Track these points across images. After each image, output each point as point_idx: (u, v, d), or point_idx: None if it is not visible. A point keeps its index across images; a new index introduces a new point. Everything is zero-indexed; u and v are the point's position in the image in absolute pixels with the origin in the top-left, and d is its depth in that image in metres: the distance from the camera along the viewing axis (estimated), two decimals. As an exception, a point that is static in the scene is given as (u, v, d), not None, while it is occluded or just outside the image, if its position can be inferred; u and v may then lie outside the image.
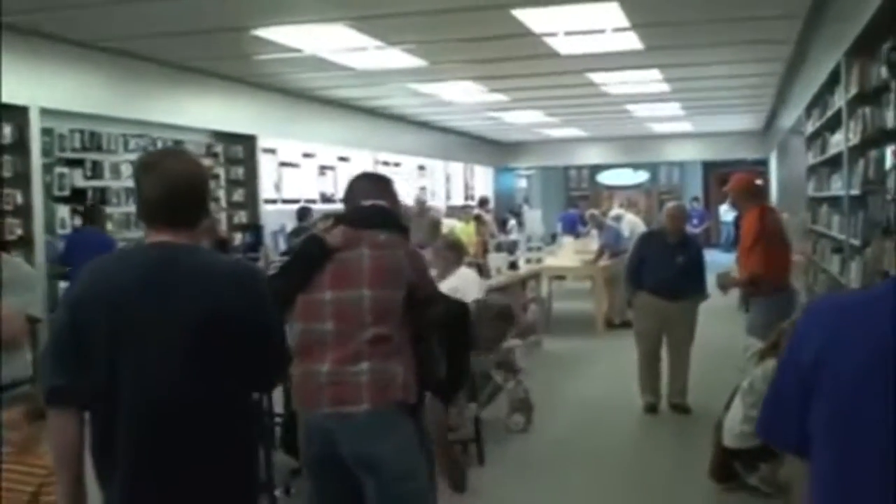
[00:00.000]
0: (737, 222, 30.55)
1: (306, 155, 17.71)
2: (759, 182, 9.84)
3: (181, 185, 3.17)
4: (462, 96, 17.25)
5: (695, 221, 25.46)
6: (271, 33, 10.68)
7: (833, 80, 9.33)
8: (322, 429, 4.21)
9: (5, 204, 10.09)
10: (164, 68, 12.55)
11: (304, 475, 6.79)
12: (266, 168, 15.78)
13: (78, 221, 11.51)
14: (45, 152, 10.80)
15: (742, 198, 8.91)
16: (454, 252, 9.17)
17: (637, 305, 10.01)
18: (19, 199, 10.24)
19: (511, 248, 14.64)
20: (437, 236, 11.02)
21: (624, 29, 11.02)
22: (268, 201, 15.76)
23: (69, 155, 11.57)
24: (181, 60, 12.60)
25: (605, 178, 34.28)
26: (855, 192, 8.08)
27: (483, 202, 21.56)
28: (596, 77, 15.37)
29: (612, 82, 16.03)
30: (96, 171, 12.03)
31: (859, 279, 7.70)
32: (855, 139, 7.97)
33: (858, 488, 1.93)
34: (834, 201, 10.27)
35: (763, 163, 27.55)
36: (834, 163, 10.11)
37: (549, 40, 11.65)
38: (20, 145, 10.24)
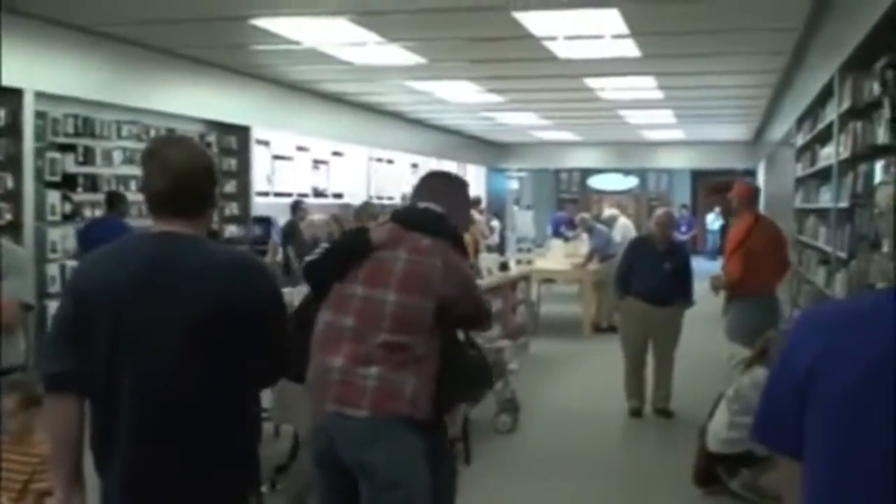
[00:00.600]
0: (723, 230, 30.91)
1: (300, 148, 17.58)
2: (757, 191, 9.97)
3: (181, 175, 3.15)
4: (458, 95, 17.23)
5: (683, 228, 25.61)
6: (270, 24, 10.60)
7: (826, 94, 9.39)
8: (325, 425, 4.16)
9: (-4, 188, 9.94)
10: (160, 55, 12.45)
11: (289, 471, 6.90)
12: (259, 160, 15.63)
13: (98, 212, 11.48)
14: (38, 136, 10.64)
15: (742, 204, 9.21)
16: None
17: (624, 310, 10.17)
18: (10, 183, 10.11)
19: (495, 249, 14.61)
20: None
21: (623, 36, 11.05)
22: (259, 194, 15.61)
23: (62, 140, 11.36)
24: (178, 48, 12.51)
25: (596, 182, 34.39)
26: (843, 204, 8.15)
27: (475, 202, 21.57)
28: (592, 82, 15.39)
29: (608, 88, 16.04)
30: (88, 157, 11.84)
31: (845, 291, 7.77)
32: (845, 153, 8.04)
33: (857, 499, 1.96)
34: (821, 213, 10.36)
35: (751, 173, 27.65)
36: (823, 175, 10.18)
37: (548, 44, 11.66)
38: (13, 129, 10.10)
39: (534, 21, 10.39)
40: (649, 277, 9.65)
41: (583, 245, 17.35)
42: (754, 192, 9.49)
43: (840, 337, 2.03)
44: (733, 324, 9.07)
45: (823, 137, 9.95)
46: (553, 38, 11.39)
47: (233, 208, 14.95)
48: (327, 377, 4.09)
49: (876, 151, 6.89)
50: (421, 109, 20.32)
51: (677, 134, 25.39)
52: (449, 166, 25.90)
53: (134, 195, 12.10)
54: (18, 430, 4.77)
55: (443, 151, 24.86)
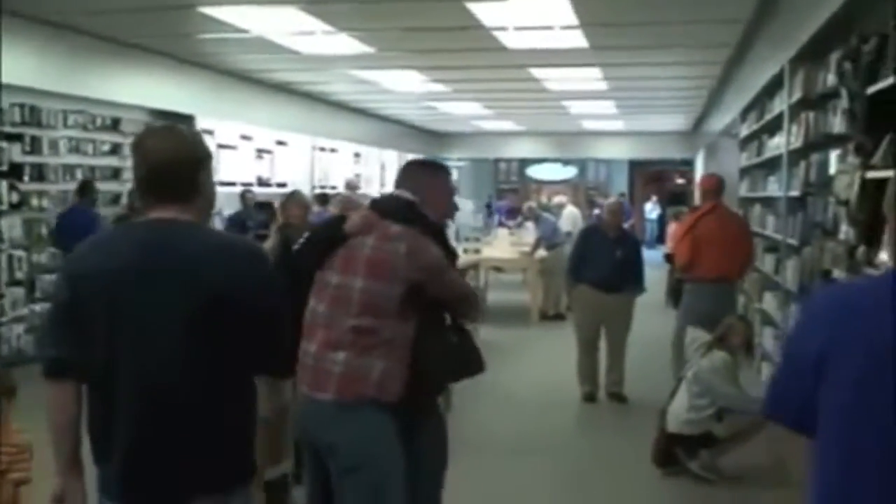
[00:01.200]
0: (661, 220, 31.20)
1: (244, 137, 17.52)
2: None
3: (160, 163, 3.14)
4: (404, 85, 17.27)
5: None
6: (218, 12, 10.55)
7: (775, 85, 9.57)
8: (301, 409, 4.28)
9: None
10: (106, 44, 12.36)
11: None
12: None
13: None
14: None
15: (708, 194, 9.41)
16: None
17: (576, 298, 10.25)
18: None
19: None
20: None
21: (572, 27, 11.16)
22: None
23: (8, 129, 11.36)
24: (124, 37, 12.43)
25: (535, 171, 34.49)
26: (794, 193, 8.33)
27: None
28: (538, 73, 15.49)
29: (554, 78, 16.17)
30: (35, 146, 11.86)
31: (796, 278, 7.96)
32: (797, 143, 8.22)
33: (863, 482, 2.03)
34: (768, 202, 10.58)
35: (689, 163, 27.96)
36: (771, 165, 10.40)
37: (497, 34, 11.75)
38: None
39: (485, 11, 10.46)
40: (601, 265, 9.74)
41: (528, 234, 17.47)
42: (720, 184, 9.52)
43: (848, 321, 2.10)
44: (686, 308, 9.35)
45: (772, 128, 10.13)
46: (503, 28, 11.46)
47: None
48: (304, 362, 4.15)
49: (830, 140, 7.06)
50: (365, 99, 20.32)
51: (617, 124, 25.66)
52: (390, 155, 25.98)
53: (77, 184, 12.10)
54: None
55: (385, 140, 24.91)
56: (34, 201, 11.77)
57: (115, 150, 13.37)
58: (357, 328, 4.11)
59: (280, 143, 19.15)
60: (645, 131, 27.27)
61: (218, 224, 14.60)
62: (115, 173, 13.36)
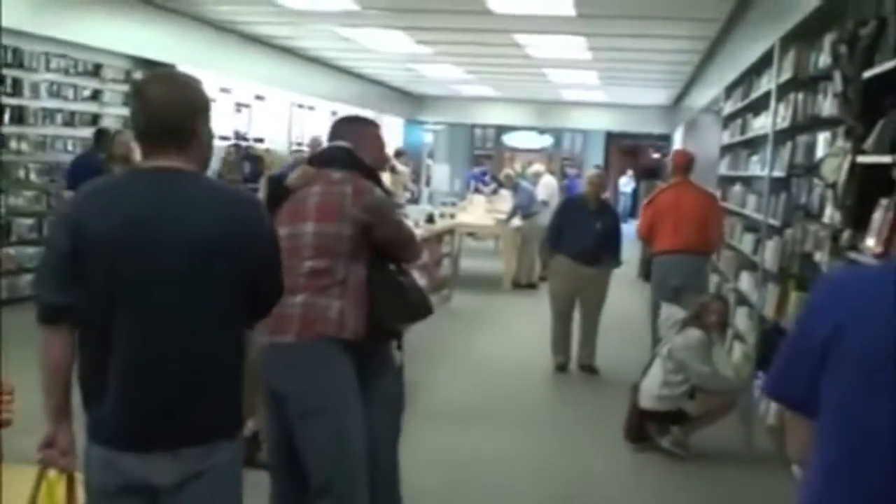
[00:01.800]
0: (634, 194, 31.27)
1: (223, 90, 17.35)
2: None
3: (157, 109, 3.13)
4: (386, 45, 17.20)
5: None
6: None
7: (763, 64, 9.50)
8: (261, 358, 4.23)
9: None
10: None
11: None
12: None
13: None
14: None
15: (677, 170, 9.61)
16: None
17: (553, 269, 10.25)
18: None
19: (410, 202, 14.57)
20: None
21: None
22: None
23: None
24: None
25: (510, 139, 34.40)
26: (778, 174, 8.31)
27: (399, 153, 21.40)
28: (522, 39, 15.44)
29: (537, 45, 16.09)
30: (16, 88, 11.72)
31: (776, 258, 7.95)
32: (783, 123, 8.19)
33: (870, 465, 2.03)
34: (749, 181, 10.56)
35: (666, 138, 27.95)
36: (754, 144, 10.38)
37: None
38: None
39: (474, -28, 10.36)
40: (580, 236, 9.75)
41: (502, 201, 17.49)
42: (689, 161, 9.71)
43: (857, 307, 2.09)
44: (653, 281, 9.60)
45: (757, 107, 10.08)
46: None
47: None
48: None
49: (818, 123, 7.04)
50: (345, 57, 20.27)
51: (597, 95, 25.56)
52: (368, 115, 25.77)
53: (57, 129, 12.33)
54: None
55: (363, 101, 24.60)
56: (13, 144, 11.69)
57: (96, 95, 13.28)
58: (312, 270, 4.27)
59: (259, 97, 19.04)
60: (624, 104, 27.27)
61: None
62: (94, 119, 13.19)
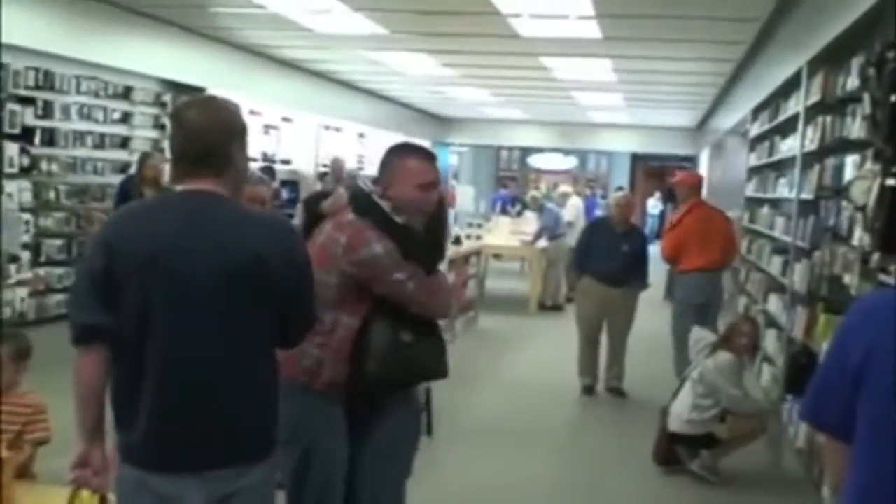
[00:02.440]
0: (662, 216, 31.12)
1: (252, 112, 17.04)
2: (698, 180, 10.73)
3: (194, 135, 3.18)
4: (414, 68, 17.25)
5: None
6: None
7: (791, 86, 9.47)
8: None
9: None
10: (122, 12, 12.39)
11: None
12: None
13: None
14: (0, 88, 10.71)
15: (692, 191, 10.04)
16: None
17: (580, 290, 10.21)
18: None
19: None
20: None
21: (588, 17, 11.12)
22: None
23: (22, 92, 11.35)
24: (139, 6, 12.46)
25: (535, 160, 34.38)
26: (807, 196, 8.28)
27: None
28: (548, 61, 15.45)
29: (564, 68, 16.11)
30: (47, 110, 11.83)
31: (805, 281, 7.90)
32: (811, 145, 8.15)
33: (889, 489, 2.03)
34: (777, 203, 10.51)
35: (691, 159, 27.85)
36: (781, 166, 10.34)
37: (511, 21, 11.69)
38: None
39: (502, -3, 10.39)
40: (606, 258, 9.73)
41: (527, 223, 17.44)
42: (701, 180, 10.24)
43: (886, 330, 2.09)
44: (678, 296, 9.95)
45: (784, 129, 10.04)
46: (517, 16, 11.42)
47: None
48: None
49: (847, 145, 7.00)
50: (372, 80, 20.32)
51: (621, 117, 25.53)
52: (395, 137, 25.76)
53: (88, 151, 12.44)
54: (5, 381, 4.79)
55: (389, 122, 24.75)
56: (44, 165, 11.80)
57: (126, 118, 13.37)
58: None
59: (286, 119, 19.03)
60: (649, 125, 27.18)
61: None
62: (124, 142, 13.35)
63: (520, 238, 16.75)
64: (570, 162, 33.98)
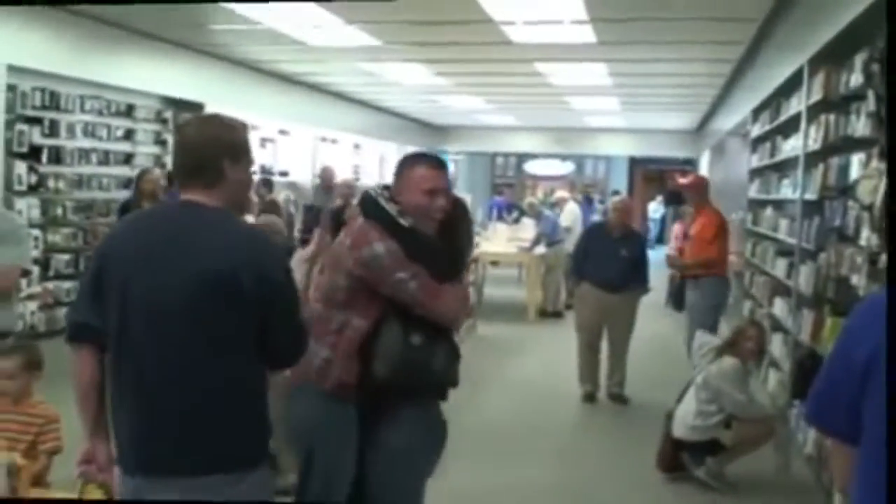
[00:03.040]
0: (663, 220, 30.94)
1: (252, 127, 16.98)
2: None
3: (188, 149, 3.32)
4: (408, 78, 17.29)
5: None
6: (235, 4, 10.52)
7: (791, 85, 9.36)
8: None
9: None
10: (123, 32, 12.59)
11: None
12: None
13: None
14: (8, 109, 10.98)
15: (700, 195, 10.04)
16: None
17: (579, 296, 10.18)
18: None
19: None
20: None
21: (582, 21, 11.05)
22: None
23: (30, 112, 11.64)
24: (141, 26, 12.64)
25: (532, 167, 34.31)
26: (811, 196, 8.15)
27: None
28: (543, 67, 15.43)
29: (558, 73, 16.11)
30: (53, 129, 12.09)
31: (810, 283, 7.78)
32: (815, 145, 8.02)
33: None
34: (780, 205, 10.40)
35: (691, 162, 27.74)
36: (784, 167, 10.20)
37: (505, 28, 11.66)
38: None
39: (494, 5, 10.37)
40: (605, 264, 9.66)
41: (524, 229, 17.46)
42: (708, 184, 10.25)
43: (893, 329, 2.05)
44: (702, 299, 9.85)
45: (786, 129, 9.91)
46: (511, 23, 11.39)
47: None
48: None
49: (851, 144, 6.87)
50: (366, 91, 20.37)
51: (618, 121, 25.48)
52: (390, 147, 25.94)
53: (94, 168, 12.81)
54: (18, 392, 5.02)
55: (384, 132, 24.90)
56: (51, 183, 12.10)
57: (129, 135, 13.65)
58: (316, 316, 4.26)
59: (283, 132, 19.11)
60: (647, 128, 27.15)
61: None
62: (127, 158, 13.61)
63: (517, 245, 16.68)
64: (567, 167, 33.88)
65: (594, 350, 9.98)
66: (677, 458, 7.25)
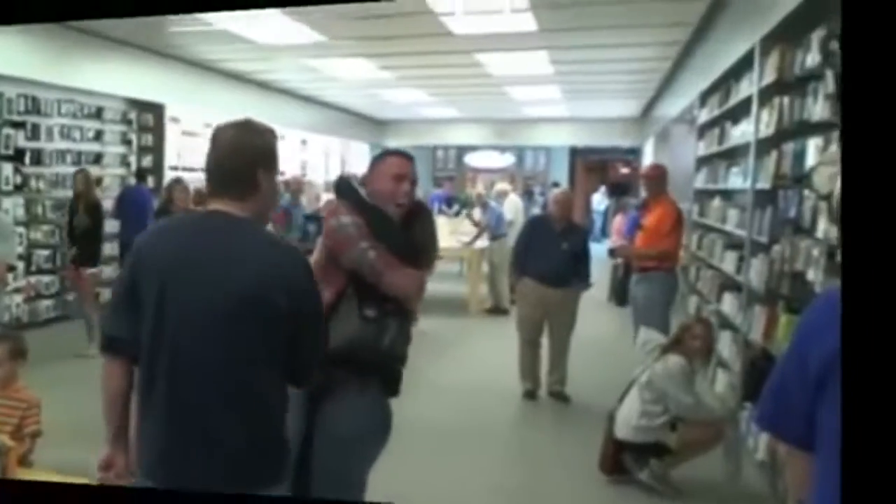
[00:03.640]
0: (607, 212, 30.75)
1: (206, 125, 17.49)
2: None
3: (221, 156, 3.33)
4: (352, 73, 17.48)
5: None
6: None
7: (741, 67, 9.00)
8: None
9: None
10: (93, 38, 13.55)
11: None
12: (171, 136, 16.57)
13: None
14: None
15: (658, 184, 9.59)
16: None
17: (520, 291, 9.91)
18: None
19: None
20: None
21: (522, 10, 11.00)
22: (172, 168, 16.36)
23: (14, 117, 12.75)
24: (108, 32, 13.48)
25: (472, 159, 34.07)
26: (763, 185, 7.76)
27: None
28: (483, 58, 15.38)
29: (498, 63, 16.06)
30: (35, 133, 13.18)
31: (762, 278, 7.42)
32: (768, 130, 7.60)
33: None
34: (729, 195, 10.06)
35: (634, 151, 27.58)
36: (734, 154, 9.84)
37: (445, 19, 11.65)
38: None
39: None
40: (546, 258, 9.46)
41: (465, 223, 17.52)
42: (667, 172, 9.77)
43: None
44: (652, 293, 9.41)
45: (736, 114, 9.51)
46: (451, 14, 11.42)
47: (150, 181, 15.88)
48: None
49: (808, 128, 6.48)
50: (312, 86, 20.62)
51: (559, 110, 25.26)
52: (335, 142, 26.08)
53: (67, 168, 13.76)
54: (4, 378, 5.54)
55: (329, 128, 25.11)
56: (33, 183, 13.25)
57: (98, 136, 14.72)
58: None
59: None
60: (589, 118, 26.97)
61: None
62: (97, 158, 14.65)
63: (458, 238, 16.44)
64: (507, 160, 33.62)
65: (535, 346, 9.78)
66: (620, 460, 6.99)
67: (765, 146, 7.81)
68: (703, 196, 11.67)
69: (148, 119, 16.00)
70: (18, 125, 12.85)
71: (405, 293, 4.41)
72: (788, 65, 7.06)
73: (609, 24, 12.16)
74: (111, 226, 13.44)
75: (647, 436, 6.82)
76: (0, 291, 6.54)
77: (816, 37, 6.16)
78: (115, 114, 15.11)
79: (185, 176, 15.89)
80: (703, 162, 11.96)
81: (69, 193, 12.95)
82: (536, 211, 18.83)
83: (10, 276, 11.50)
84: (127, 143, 15.44)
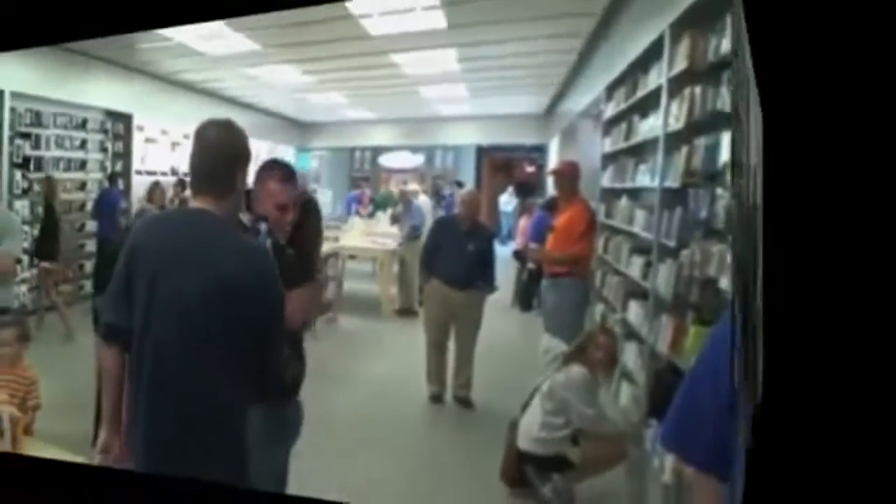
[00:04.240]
0: (516, 213, 30.28)
1: (163, 132, 18.09)
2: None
3: (201, 155, 3.51)
4: (282, 78, 17.60)
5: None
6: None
7: (650, 56, 8.25)
8: None
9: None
10: (77, 56, 13.81)
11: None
12: (137, 143, 16.92)
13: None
14: (9, 127, 12.91)
15: (569, 183, 9.31)
16: None
17: (427, 293, 9.61)
18: (-6, 166, 12.50)
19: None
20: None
21: (433, 7, 10.84)
22: (138, 172, 16.75)
23: (23, 129, 13.42)
24: (91, 50, 13.69)
25: (385, 160, 33.81)
26: (671, 184, 7.03)
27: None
28: (398, 58, 15.16)
29: (412, 63, 15.82)
30: (37, 143, 13.77)
31: (670, 285, 6.69)
32: (678, 124, 6.89)
33: None
34: (636, 194, 9.29)
35: (540, 149, 27.16)
36: (642, 150, 9.04)
37: (363, 21, 11.54)
38: (-3, 124, 12.24)
39: (354, -1, 10.09)
40: (451, 259, 9.17)
41: (378, 223, 17.77)
42: (580, 171, 9.50)
43: None
44: (562, 302, 9.02)
45: (645, 106, 8.72)
46: (369, 16, 11.34)
47: (119, 184, 16.41)
48: None
49: (721, 120, 5.74)
50: (249, 94, 20.49)
51: (466, 108, 25.04)
52: (263, 146, 25.89)
53: (61, 174, 14.31)
54: (12, 357, 6.14)
55: (261, 132, 24.89)
56: (36, 187, 13.82)
57: (83, 144, 15.17)
58: None
59: (186, 136, 19.56)
60: (494, 115, 26.66)
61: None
62: (82, 164, 15.17)
63: (372, 239, 16.45)
64: (417, 160, 33.30)
65: (441, 349, 9.42)
66: (523, 471, 6.52)
67: (674, 141, 7.09)
68: (610, 195, 10.90)
69: (119, 128, 16.58)
70: (26, 136, 13.72)
71: (295, 323, 4.35)
72: (701, 52, 6.36)
73: (513, 17, 11.77)
74: (91, 225, 14.65)
75: (548, 448, 6.36)
76: (9, 282, 7.06)
77: (730, 20, 5.38)
78: (96, 124, 15.71)
79: (147, 179, 17.12)
80: (609, 159, 11.18)
81: (63, 196, 14.24)
82: (441, 213, 18.71)
83: (19, 268, 11.98)
84: (104, 150, 16.05)
